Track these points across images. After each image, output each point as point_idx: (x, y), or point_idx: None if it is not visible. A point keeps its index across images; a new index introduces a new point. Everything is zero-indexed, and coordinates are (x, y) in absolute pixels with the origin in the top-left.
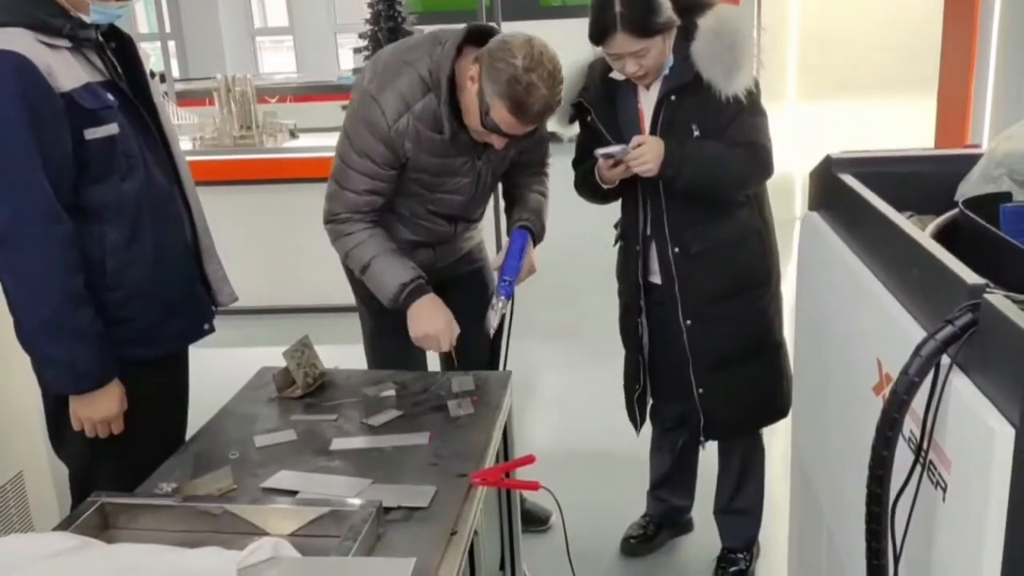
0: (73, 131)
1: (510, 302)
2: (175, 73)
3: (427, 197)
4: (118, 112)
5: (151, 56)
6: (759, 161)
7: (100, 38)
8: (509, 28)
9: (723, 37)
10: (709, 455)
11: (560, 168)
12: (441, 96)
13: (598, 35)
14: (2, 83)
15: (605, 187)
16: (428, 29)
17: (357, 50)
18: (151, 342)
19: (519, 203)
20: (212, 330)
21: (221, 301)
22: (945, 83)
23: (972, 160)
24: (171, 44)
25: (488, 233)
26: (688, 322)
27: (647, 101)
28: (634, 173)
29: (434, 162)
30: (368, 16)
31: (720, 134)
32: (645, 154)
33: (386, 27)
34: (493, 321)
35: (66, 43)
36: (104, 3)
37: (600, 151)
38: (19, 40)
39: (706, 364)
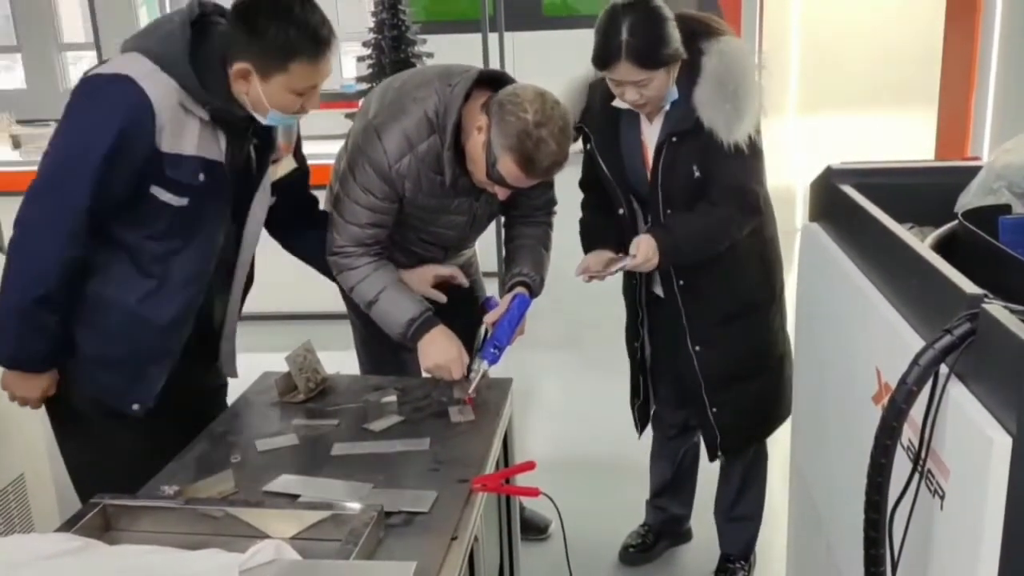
0: (141, 180)
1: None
2: None
3: (420, 229)
4: (201, 193)
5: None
6: (744, 208)
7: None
8: (512, 37)
9: (726, 84)
10: (707, 463)
11: (563, 181)
12: (446, 141)
13: (602, 61)
14: (113, 109)
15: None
16: (432, 39)
17: (360, 59)
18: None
19: (520, 257)
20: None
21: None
22: (946, 95)
23: (972, 172)
24: None
25: (490, 242)
26: (697, 348)
27: (650, 134)
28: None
29: (431, 202)
30: (372, 25)
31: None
32: (645, 255)
33: (389, 36)
34: (470, 387)
35: (204, 114)
36: (283, 114)
37: (612, 268)
38: (159, 86)
39: (718, 384)
